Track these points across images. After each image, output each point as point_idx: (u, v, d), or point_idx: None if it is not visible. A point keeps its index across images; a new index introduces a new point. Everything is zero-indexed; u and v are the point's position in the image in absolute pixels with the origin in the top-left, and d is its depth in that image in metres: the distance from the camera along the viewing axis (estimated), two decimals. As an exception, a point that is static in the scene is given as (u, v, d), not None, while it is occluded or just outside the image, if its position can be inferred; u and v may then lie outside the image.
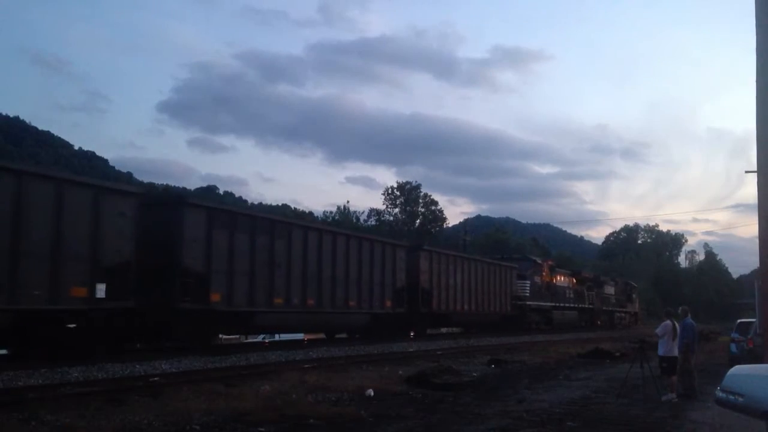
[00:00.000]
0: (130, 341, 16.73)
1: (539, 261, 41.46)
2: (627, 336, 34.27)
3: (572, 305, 43.75)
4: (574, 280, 45.23)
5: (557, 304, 40.99)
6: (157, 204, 17.93)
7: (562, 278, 43.09)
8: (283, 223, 21.16)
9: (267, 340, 22.93)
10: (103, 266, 14.20)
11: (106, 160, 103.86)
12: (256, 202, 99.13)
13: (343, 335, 25.36)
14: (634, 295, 59.28)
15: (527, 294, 37.04)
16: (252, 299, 18.45)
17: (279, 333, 23.20)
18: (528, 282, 37.32)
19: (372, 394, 11.54)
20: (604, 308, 50.23)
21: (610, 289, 52.36)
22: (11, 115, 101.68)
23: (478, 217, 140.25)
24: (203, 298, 16.87)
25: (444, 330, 33.14)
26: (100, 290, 14.07)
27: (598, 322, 48.39)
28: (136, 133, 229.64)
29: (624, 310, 55.67)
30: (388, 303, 24.64)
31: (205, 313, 17.04)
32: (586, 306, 46.40)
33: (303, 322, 21.56)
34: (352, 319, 23.42)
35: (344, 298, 22.20)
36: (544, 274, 39.93)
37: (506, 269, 35.49)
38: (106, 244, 14.31)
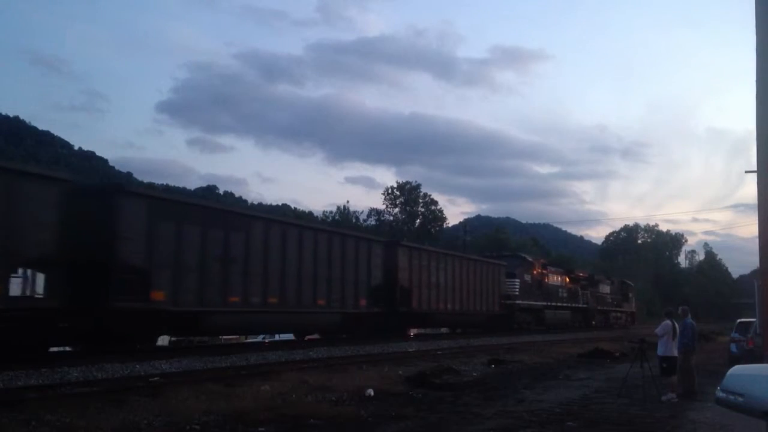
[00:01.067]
0: (60, 344, 15.52)
1: (530, 259, 40.19)
2: (626, 336, 34.26)
3: (565, 305, 42.51)
4: (568, 279, 44.00)
5: (549, 304, 39.77)
6: (90, 192, 16.10)
7: (555, 277, 41.87)
8: (241, 215, 19.53)
9: (267, 340, 22.92)
10: (19, 260, 12.56)
11: (106, 160, 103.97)
12: (255, 202, 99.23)
13: (315, 336, 24.17)
14: (630, 295, 58.17)
15: (516, 293, 35.78)
16: (203, 298, 16.87)
17: (235, 334, 22.11)
18: (517, 280, 36.03)
19: (372, 394, 11.54)
20: (599, 308, 49.27)
21: (605, 288, 51.31)
22: (11, 115, 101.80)
23: (478, 217, 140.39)
24: (143, 297, 15.25)
25: (427, 330, 31.55)
26: (15, 287, 12.47)
27: (593, 322, 47.43)
28: (135, 133, 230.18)
29: (620, 309, 54.58)
30: (363, 302, 23.20)
31: (145, 313, 15.43)
32: (581, 305, 45.33)
33: (264, 322, 19.89)
34: (322, 319, 21.93)
35: (312, 296, 20.70)
36: (535, 272, 38.69)
37: (494, 267, 34.19)
38: (23, 236, 12.70)
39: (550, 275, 40.95)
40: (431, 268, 27.70)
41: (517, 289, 35.82)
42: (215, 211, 18.38)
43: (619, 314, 54.17)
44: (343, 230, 27.25)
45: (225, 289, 17.58)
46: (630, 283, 59.58)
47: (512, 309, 35.08)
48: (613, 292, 52.97)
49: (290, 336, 24.28)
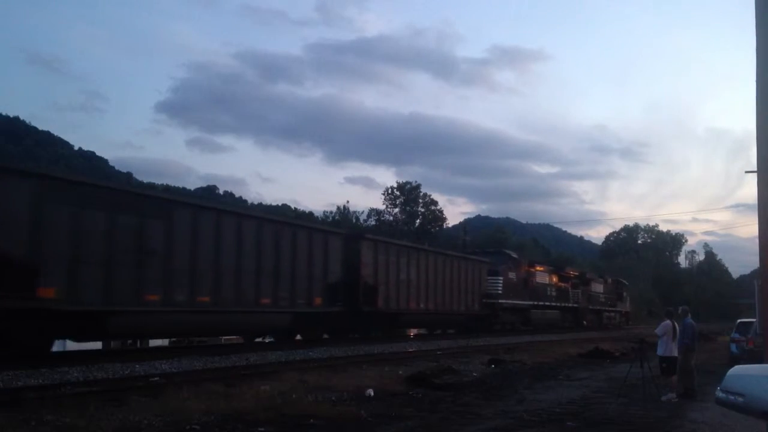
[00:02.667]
0: None
1: (514, 255, 37.82)
2: (619, 336, 34.27)
3: (554, 304, 40.51)
4: (557, 278, 41.97)
5: (536, 303, 37.75)
6: None
7: (543, 275, 39.78)
8: (160, 199, 17.10)
9: (267, 339, 22.84)
10: None
11: (106, 160, 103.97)
12: (255, 202, 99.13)
13: (270, 339, 22.62)
14: (625, 294, 56.46)
15: (499, 291, 33.45)
16: (110, 295, 14.57)
17: (157, 337, 19.88)
18: (501, 278, 33.72)
19: (372, 394, 11.54)
20: (591, 307, 47.27)
21: (598, 287, 49.40)
22: (11, 115, 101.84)
23: (478, 217, 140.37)
24: (28, 294, 13.08)
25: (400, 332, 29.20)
26: None
27: (585, 323, 45.53)
28: (134, 133, 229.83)
29: (614, 309, 52.80)
30: (318, 300, 21.02)
31: (32, 313, 13.26)
32: (571, 305, 43.34)
33: (192, 323, 17.53)
34: (266, 320, 19.64)
35: (255, 294, 18.56)
36: (521, 269, 36.51)
37: (474, 264, 31.81)
38: None
39: (538, 273, 39.06)
40: (401, 263, 25.51)
41: (501, 288, 33.61)
42: (126, 194, 15.71)
43: (612, 314, 52.57)
44: (294, 221, 24.93)
45: (140, 286, 15.24)
46: (624, 281, 58.11)
47: (495, 309, 33.06)
48: (606, 291, 51.35)
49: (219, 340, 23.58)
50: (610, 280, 53.23)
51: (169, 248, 16.04)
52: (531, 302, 37.10)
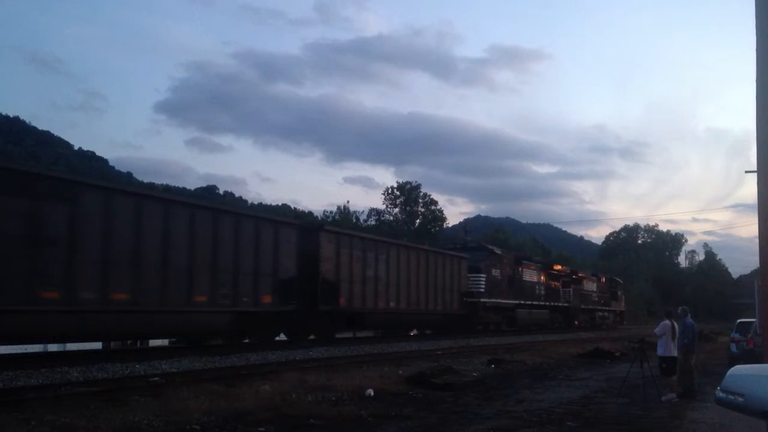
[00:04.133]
0: None
1: (498, 251, 35.30)
2: (625, 336, 34.24)
3: (543, 303, 38.56)
4: (546, 275, 40.10)
5: (522, 302, 35.59)
6: None
7: (531, 272, 37.73)
8: (62, 181, 14.44)
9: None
10: None
11: (106, 160, 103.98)
12: (255, 202, 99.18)
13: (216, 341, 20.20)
14: (619, 293, 54.73)
15: (481, 289, 31.26)
16: None
17: (59, 341, 17.32)
18: (483, 275, 31.47)
19: (372, 394, 11.55)
20: (584, 306, 45.34)
21: (590, 286, 47.66)
22: (11, 115, 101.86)
23: (478, 217, 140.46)
24: None
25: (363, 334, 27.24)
26: None
27: (576, 322, 43.74)
28: (133, 133, 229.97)
29: (607, 308, 50.92)
30: (267, 298, 19.05)
31: None
32: (561, 304, 41.43)
33: (105, 325, 15.05)
34: (202, 320, 17.53)
35: (187, 291, 16.48)
36: (505, 266, 34.25)
37: (453, 260, 29.63)
38: None
39: (525, 270, 37.04)
40: (368, 258, 23.48)
41: (483, 286, 31.42)
42: (11, 172, 13.26)
43: (606, 314, 50.76)
44: (237, 209, 22.44)
45: (33, 281, 13.21)
46: (619, 280, 56.63)
47: (476, 308, 30.95)
48: (600, 289, 49.68)
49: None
50: (603, 279, 51.78)
51: (72, 237, 13.87)
52: (517, 301, 35.13)
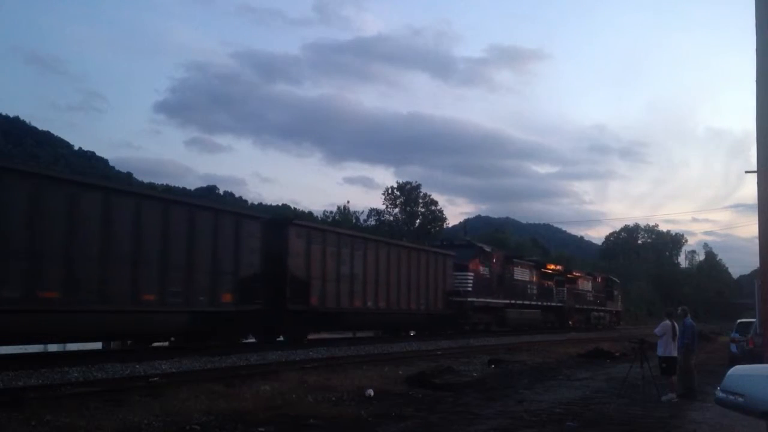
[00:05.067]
0: None
1: (487, 249, 33.73)
2: (626, 336, 34.24)
3: (535, 303, 37.46)
4: (538, 274, 38.87)
5: (513, 302, 34.36)
6: None
7: (523, 271, 36.53)
8: None
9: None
10: None
11: (106, 160, 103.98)
12: (256, 202, 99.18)
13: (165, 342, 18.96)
14: (616, 292, 53.46)
15: (469, 288, 29.94)
16: None
17: None
18: (470, 274, 30.22)
19: (372, 394, 11.54)
20: (578, 306, 44.27)
21: (585, 285, 46.57)
22: (11, 115, 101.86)
23: (478, 218, 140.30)
24: None
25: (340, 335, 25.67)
26: None
27: (570, 323, 42.66)
28: (132, 133, 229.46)
29: (603, 308, 49.78)
30: (227, 297, 17.68)
31: None
32: (554, 304, 40.38)
33: (31, 326, 13.46)
34: (150, 321, 16.03)
35: (131, 289, 15.02)
36: (494, 264, 32.92)
37: (438, 257, 28.44)
38: None
39: (516, 269, 35.79)
40: (343, 255, 22.27)
41: (470, 284, 30.15)
42: None
43: (602, 314, 49.70)
44: (193, 200, 20.83)
45: None
46: (615, 279, 55.42)
47: (464, 308, 29.71)
48: (595, 289, 48.66)
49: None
50: (599, 278, 50.84)
51: None
52: (507, 301, 33.86)
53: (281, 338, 21.15)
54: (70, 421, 7.89)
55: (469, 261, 30.61)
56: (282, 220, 21.85)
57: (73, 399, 9.16)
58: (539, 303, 38.25)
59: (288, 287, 19.79)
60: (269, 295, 19.10)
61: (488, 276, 32.14)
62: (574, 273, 46.11)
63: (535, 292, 38.00)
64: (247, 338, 20.53)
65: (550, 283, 40.57)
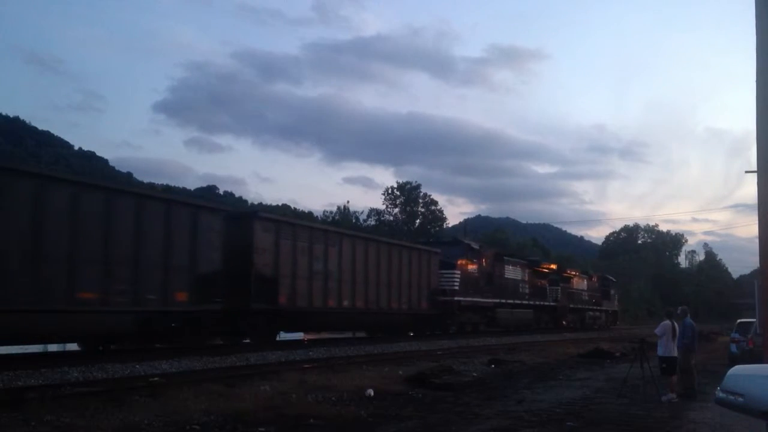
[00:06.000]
0: None
1: (476, 246, 32.51)
2: (625, 337, 34.22)
3: (527, 302, 36.36)
4: (531, 273, 37.78)
5: (504, 301, 33.27)
6: None
7: (514, 269, 35.44)
8: None
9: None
10: None
11: (107, 160, 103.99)
12: (255, 202, 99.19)
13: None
14: (612, 292, 52.23)
15: (456, 287, 28.79)
16: None
17: None
18: (458, 272, 29.08)
19: (372, 394, 11.54)
20: (572, 306, 43.06)
21: (580, 284, 45.33)
22: (11, 115, 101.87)
23: (478, 218, 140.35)
24: None
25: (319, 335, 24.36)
26: None
27: (564, 323, 41.56)
28: (132, 133, 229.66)
29: (599, 308, 48.55)
30: (181, 296, 16.41)
31: None
32: (548, 303, 39.40)
33: None
34: (90, 322, 14.60)
35: (68, 287, 13.78)
36: (483, 263, 31.73)
37: (421, 254, 27.38)
38: None
39: (507, 268, 34.64)
40: (316, 251, 20.98)
41: (457, 283, 29.00)
42: None
43: (597, 313, 48.47)
44: (139, 190, 18.97)
45: None
46: (612, 278, 54.22)
47: (450, 307, 28.65)
48: (591, 288, 47.46)
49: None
50: (595, 277, 49.77)
51: None
52: (497, 300, 32.72)
53: (247, 340, 19.78)
54: (70, 421, 7.90)
55: (456, 259, 29.66)
56: (247, 213, 20.40)
57: (73, 399, 9.17)
58: (531, 302, 37.22)
59: (253, 285, 18.55)
60: (232, 293, 17.75)
61: (477, 274, 31.10)
62: (569, 272, 45.22)
63: (527, 291, 36.87)
64: (213, 340, 19.03)
65: (543, 282, 39.70)
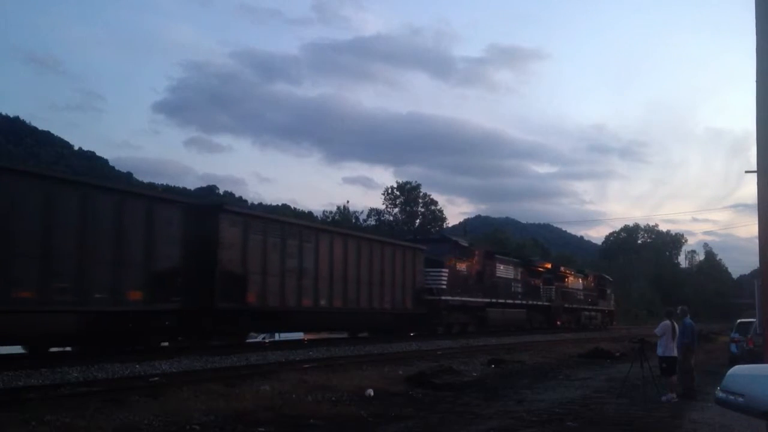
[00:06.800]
0: None
1: (465, 244, 31.44)
2: (623, 336, 34.21)
3: (520, 302, 35.35)
4: (524, 272, 36.90)
5: (495, 301, 32.25)
6: None
7: (506, 268, 34.45)
8: None
9: (267, 340, 22.79)
10: None
11: (106, 160, 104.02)
12: (255, 202, 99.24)
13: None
14: (608, 291, 51.50)
15: (443, 286, 27.75)
16: None
17: None
18: (445, 270, 28.05)
19: (372, 394, 11.54)
20: (567, 306, 42.22)
21: (575, 283, 44.64)
22: (11, 115, 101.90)
23: (478, 217, 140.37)
24: None
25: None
26: None
27: (558, 323, 40.56)
28: (131, 133, 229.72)
29: (594, 308, 47.76)
30: (135, 294, 15.19)
31: None
32: (542, 303, 38.53)
33: None
34: (28, 323, 13.50)
35: (1, 285, 12.79)
36: (473, 261, 30.70)
37: (405, 252, 26.27)
38: None
39: (499, 266, 33.69)
40: (290, 247, 19.93)
41: (445, 282, 27.95)
42: None
43: (593, 313, 47.65)
44: (85, 180, 16.89)
45: None
46: (608, 277, 53.47)
47: (437, 307, 27.58)
48: (586, 287, 46.66)
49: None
50: (591, 276, 48.95)
51: None
52: (487, 299, 31.67)
53: (216, 343, 18.53)
54: (70, 421, 7.89)
55: (444, 256, 28.58)
56: (211, 206, 18.94)
57: (73, 399, 9.17)
58: (524, 302, 36.19)
59: (218, 283, 17.35)
60: (195, 292, 16.60)
61: (466, 273, 29.97)
62: (564, 271, 44.34)
63: (519, 290, 35.85)
64: (174, 342, 17.64)
65: (537, 281, 38.79)
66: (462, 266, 29.74)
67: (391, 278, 25.09)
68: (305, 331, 24.62)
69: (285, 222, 21.36)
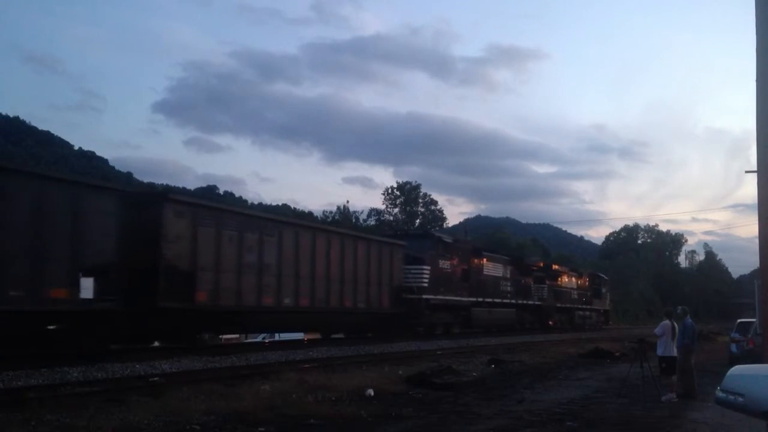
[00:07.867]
0: None
1: (448, 240, 29.81)
2: (627, 336, 34.21)
3: (509, 301, 33.74)
4: (514, 270, 35.24)
5: (481, 300, 30.61)
6: None
7: (494, 266, 32.87)
8: None
9: (267, 340, 22.80)
10: None
11: (106, 160, 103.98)
12: (256, 202, 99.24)
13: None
14: (604, 290, 49.99)
15: (424, 284, 26.14)
16: None
17: None
18: (426, 268, 26.45)
19: (372, 394, 11.55)
20: (560, 305, 40.77)
21: (569, 282, 43.18)
22: (11, 115, 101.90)
23: (478, 217, 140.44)
24: None
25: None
26: None
27: (550, 323, 39.17)
28: (131, 133, 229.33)
29: (589, 307, 46.26)
30: (61, 292, 13.41)
31: None
32: (533, 302, 37.04)
33: None
34: None
35: None
36: (457, 258, 29.06)
37: (382, 247, 24.71)
38: None
39: (486, 264, 32.06)
40: (248, 241, 18.26)
41: (426, 280, 26.34)
42: None
43: (587, 313, 46.18)
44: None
45: None
46: (603, 276, 51.94)
47: (417, 306, 26.02)
48: (580, 286, 45.26)
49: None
50: (585, 275, 47.59)
51: None
52: (473, 299, 30.04)
53: (156, 344, 17.35)
54: (70, 421, 7.90)
55: (426, 253, 27.03)
56: (153, 195, 17.14)
57: (73, 399, 9.17)
58: (514, 301, 34.47)
59: (162, 280, 15.69)
60: (134, 289, 14.76)
61: (449, 270, 28.26)
62: (556, 268, 42.75)
63: (509, 289, 34.09)
64: (109, 344, 15.71)
65: (527, 279, 37.12)
66: (445, 263, 28.16)
67: (366, 276, 23.44)
68: (270, 331, 23.43)
69: (242, 213, 19.75)
